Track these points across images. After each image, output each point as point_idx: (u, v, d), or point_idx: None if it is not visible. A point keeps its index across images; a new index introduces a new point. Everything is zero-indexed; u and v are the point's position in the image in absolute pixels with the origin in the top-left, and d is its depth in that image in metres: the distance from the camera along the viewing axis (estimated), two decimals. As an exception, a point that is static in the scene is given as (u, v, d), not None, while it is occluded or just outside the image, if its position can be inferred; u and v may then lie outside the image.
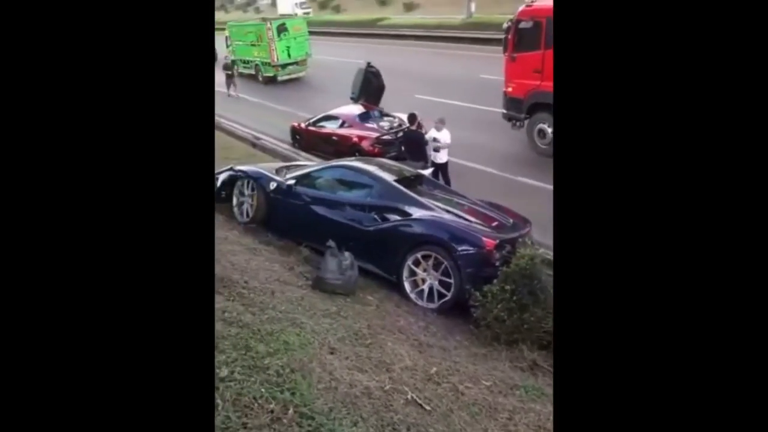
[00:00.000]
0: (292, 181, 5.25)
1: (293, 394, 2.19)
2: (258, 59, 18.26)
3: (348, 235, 4.88)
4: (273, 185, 5.36)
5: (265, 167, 5.85)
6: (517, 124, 9.02)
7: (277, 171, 5.73)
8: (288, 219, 5.35)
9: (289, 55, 17.62)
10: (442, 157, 7.83)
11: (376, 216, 4.89)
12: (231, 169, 5.73)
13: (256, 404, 2.04)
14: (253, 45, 18.41)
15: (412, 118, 7.73)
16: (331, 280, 4.06)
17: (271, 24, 17.81)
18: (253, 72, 18.57)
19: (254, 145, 10.86)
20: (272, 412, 2.03)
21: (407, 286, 4.58)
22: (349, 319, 3.56)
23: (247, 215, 5.47)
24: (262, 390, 2.13)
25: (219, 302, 3.11)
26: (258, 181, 5.44)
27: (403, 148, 8.16)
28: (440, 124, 7.76)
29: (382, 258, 4.73)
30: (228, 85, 15.67)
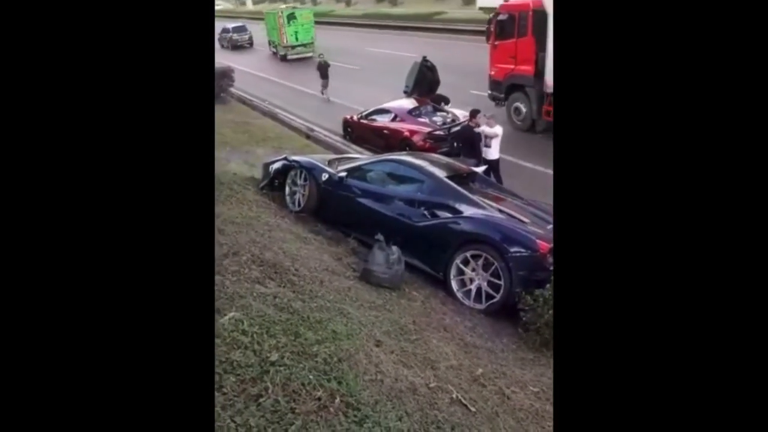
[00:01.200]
0: (343, 174, 5.30)
1: (340, 383, 2.21)
2: (275, 41, 23.32)
3: (396, 229, 4.88)
4: (325, 176, 5.43)
5: (317, 158, 5.94)
6: (499, 102, 10.53)
7: (330, 163, 5.80)
8: (338, 210, 5.41)
9: (296, 39, 22.35)
10: (493, 154, 7.67)
11: (425, 212, 4.84)
12: (285, 158, 5.86)
13: (304, 390, 2.07)
14: (273, 29, 23.32)
15: (474, 113, 7.62)
16: (379, 273, 4.06)
17: (282, 12, 22.58)
18: (275, 50, 23.73)
19: (308, 137, 11.06)
20: (319, 399, 2.05)
21: (454, 284, 4.51)
22: (394, 313, 3.55)
23: (299, 204, 5.58)
24: (311, 377, 2.16)
25: (270, 288, 3.19)
26: (311, 171, 5.53)
27: (455, 144, 8.05)
28: (491, 120, 7.61)
29: (430, 254, 4.69)
30: (323, 87, 14.67)
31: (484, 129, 7.55)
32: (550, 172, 7.57)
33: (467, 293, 4.45)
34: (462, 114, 9.94)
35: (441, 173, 5.12)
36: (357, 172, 5.39)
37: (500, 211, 4.78)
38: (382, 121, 10.10)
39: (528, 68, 9.63)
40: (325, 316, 2.93)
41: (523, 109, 10.01)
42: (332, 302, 3.25)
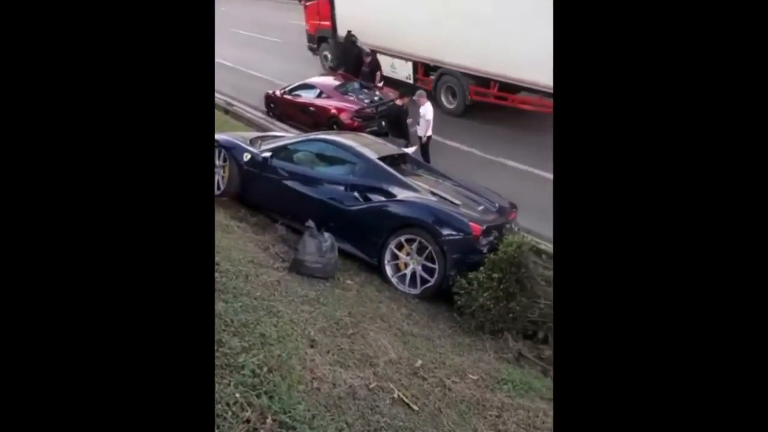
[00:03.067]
0: (267, 154, 4.90)
1: (271, 398, 1.96)
2: None
3: (328, 214, 4.62)
4: (247, 156, 5.00)
5: (238, 136, 5.45)
6: (314, 51, 12.68)
7: (251, 142, 5.34)
8: (263, 194, 5.03)
9: None
10: (422, 132, 7.58)
11: (357, 195, 4.62)
12: (201, 137, 5.32)
13: (229, 412, 1.80)
14: None
15: (402, 93, 7.40)
16: (311, 263, 3.80)
17: None
18: None
19: (227, 112, 10.29)
20: (248, 421, 1.79)
21: (389, 270, 4.37)
22: (329, 306, 3.33)
23: (218, 188, 5.11)
24: (237, 395, 1.89)
25: (187, 287, 2.83)
26: (230, 151, 5.06)
27: (384, 123, 7.85)
28: (422, 99, 7.47)
29: (363, 240, 4.49)
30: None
31: (422, 110, 7.39)
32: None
33: (402, 278, 4.33)
34: (391, 92, 9.76)
35: (372, 154, 4.90)
36: (283, 152, 5.02)
37: (432, 193, 4.67)
38: (308, 97, 9.63)
39: (328, 24, 11.59)
40: (252, 317, 2.64)
41: (329, 56, 12.08)
42: (260, 300, 2.96)
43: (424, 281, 4.23)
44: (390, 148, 5.45)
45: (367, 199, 4.58)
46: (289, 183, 4.86)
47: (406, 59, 10.07)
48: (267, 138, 5.69)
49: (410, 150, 6.18)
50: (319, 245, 3.86)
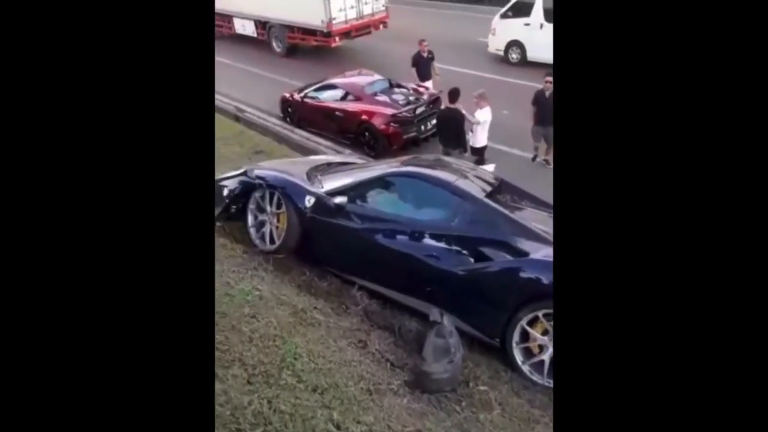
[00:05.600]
0: (341, 200, 3.68)
1: None
2: None
3: (423, 276, 3.48)
4: (310, 201, 3.79)
5: (289, 170, 4.20)
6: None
7: (308, 175, 4.14)
8: (331, 248, 3.85)
9: None
10: (480, 141, 6.44)
11: (464, 251, 3.46)
12: (244, 173, 4.07)
13: None
14: None
15: (454, 94, 6.19)
16: (439, 374, 2.66)
17: None
18: None
19: (237, 119, 9.00)
20: None
21: (518, 354, 3.24)
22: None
23: (271, 240, 3.92)
24: None
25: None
26: (286, 193, 3.85)
27: (437, 130, 6.67)
28: (481, 101, 6.31)
29: (479, 313, 3.36)
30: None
31: (477, 114, 6.24)
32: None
33: (537, 366, 3.21)
34: (424, 89, 8.56)
35: (477, 191, 3.74)
36: (356, 192, 3.82)
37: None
38: (332, 100, 8.38)
39: None
40: None
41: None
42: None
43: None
44: (485, 174, 4.27)
45: (479, 257, 3.42)
46: (367, 234, 3.68)
47: (250, 19, 13.13)
48: (323, 168, 4.47)
49: (490, 168, 5.00)
50: (446, 346, 2.72)
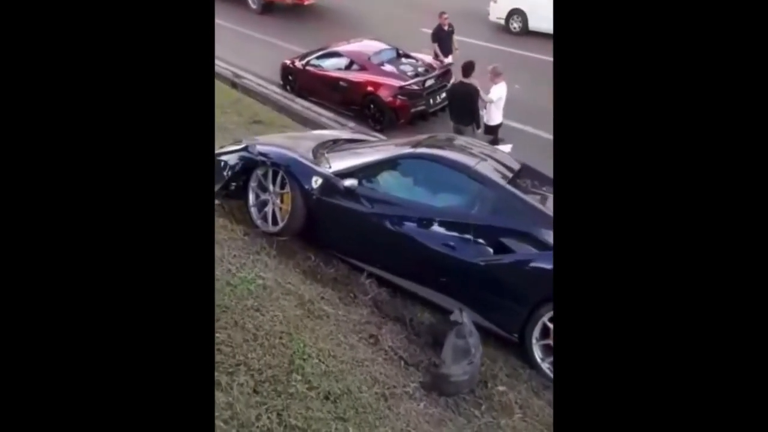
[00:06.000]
0: (351, 182, 3.40)
1: None
2: None
3: (438, 267, 3.26)
4: (317, 182, 3.51)
5: (294, 145, 3.90)
6: None
7: (315, 153, 3.84)
8: (339, 232, 3.60)
9: None
10: (495, 118, 6.12)
11: (484, 242, 3.22)
12: (245, 149, 3.76)
13: None
14: None
15: (468, 68, 5.83)
16: (458, 377, 2.46)
17: None
18: None
19: (234, 85, 8.58)
20: None
21: (537, 352, 3.05)
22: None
23: (273, 221, 3.66)
24: None
25: None
26: (292, 173, 3.56)
27: (449, 105, 6.33)
28: (496, 75, 5.96)
29: (497, 307, 3.16)
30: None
31: (492, 90, 5.90)
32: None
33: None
34: (432, 61, 8.15)
35: (498, 176, 3.47)
36: (367, 174, 3.54)
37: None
38: (336, 68, 7.97)
39: None
40: None
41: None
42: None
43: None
44: (506, 157, 3.99)
45: (500, 248, 3.19)
46: (378, 219, 3.43)
47: None
48: (330, 145, 4.16)
49: (507, 149, 4.72)
50: (466, 347, 2.51)
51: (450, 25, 8.15)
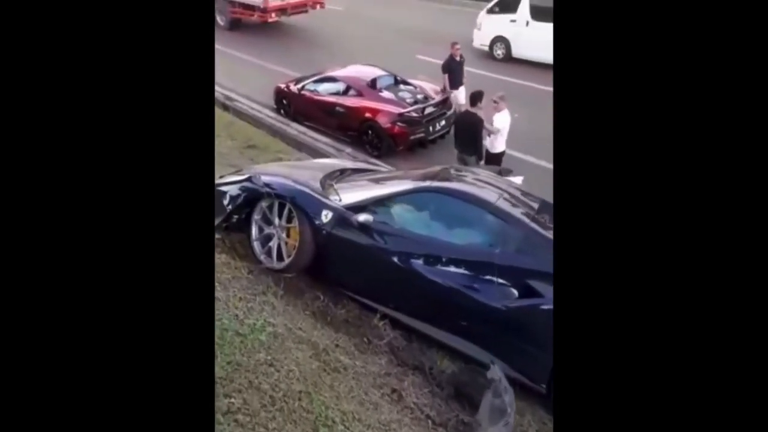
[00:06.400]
0: (366, 217, 3.18)
1: None
2: None
3: (457, 309, 3.04)
4: (327, 216, 3.28)
5: (298, 176, 3.66)
6: None
7: (322, 184, 3.62)
8: (350, 269, 3.36)
9: None
10: (498, 146, 6.01)
11: (509, 283, 3.01)
12: (249, 179, 3.51)
13: None
14: None
15: (476, 97, 5.73)
16: (497, 439, 2.22)
17: None
18: None
19: (226, 108, 8.36)
20: None
21: (567, 404, 2.84)
22: None
23: (279, 258, 3.39)
24: None
25: None
26: (299, 206, 3.32)
27: (455, 134, 6.20)
28: (501, 103, 5.88)
29: (525, 355, 2.93)
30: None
31: (495, 118, 5.80)
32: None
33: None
34: (431, 87, 8.06)
35: (519, 213, 3.29)
36: (381, 208, 3.32)
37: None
38: (333, 94, 7.83)
39: None
40: None
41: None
42: None
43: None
44: (521, 191, 3.81)
45: (526, 291, 2.98)
46: (392, 256, 3.20)
47: None
48: (337, 175, 3.94)
49: (518, 181, 4.57)
50: (503, 407, 2.28)
51: (461, 56, 7.86)
